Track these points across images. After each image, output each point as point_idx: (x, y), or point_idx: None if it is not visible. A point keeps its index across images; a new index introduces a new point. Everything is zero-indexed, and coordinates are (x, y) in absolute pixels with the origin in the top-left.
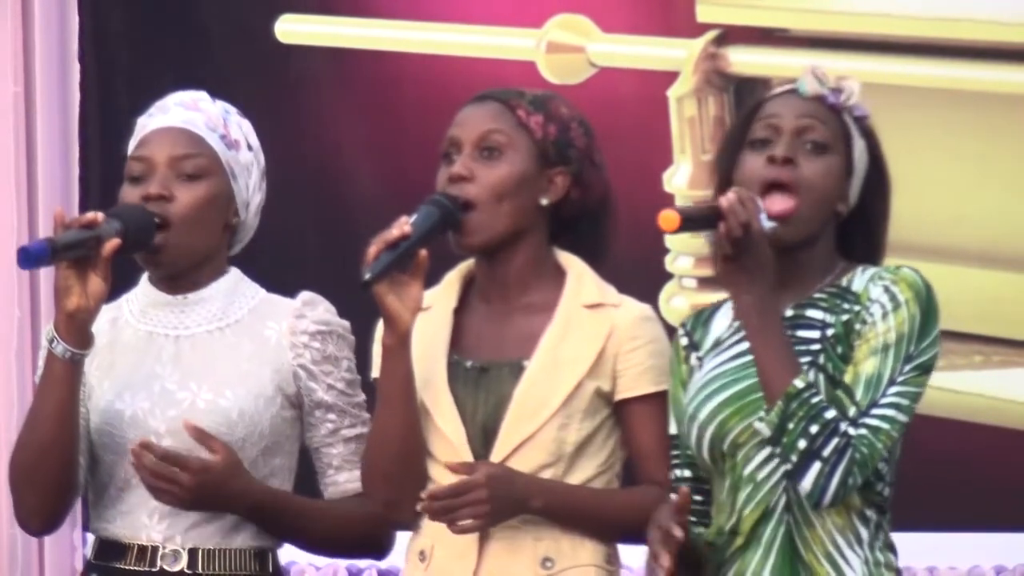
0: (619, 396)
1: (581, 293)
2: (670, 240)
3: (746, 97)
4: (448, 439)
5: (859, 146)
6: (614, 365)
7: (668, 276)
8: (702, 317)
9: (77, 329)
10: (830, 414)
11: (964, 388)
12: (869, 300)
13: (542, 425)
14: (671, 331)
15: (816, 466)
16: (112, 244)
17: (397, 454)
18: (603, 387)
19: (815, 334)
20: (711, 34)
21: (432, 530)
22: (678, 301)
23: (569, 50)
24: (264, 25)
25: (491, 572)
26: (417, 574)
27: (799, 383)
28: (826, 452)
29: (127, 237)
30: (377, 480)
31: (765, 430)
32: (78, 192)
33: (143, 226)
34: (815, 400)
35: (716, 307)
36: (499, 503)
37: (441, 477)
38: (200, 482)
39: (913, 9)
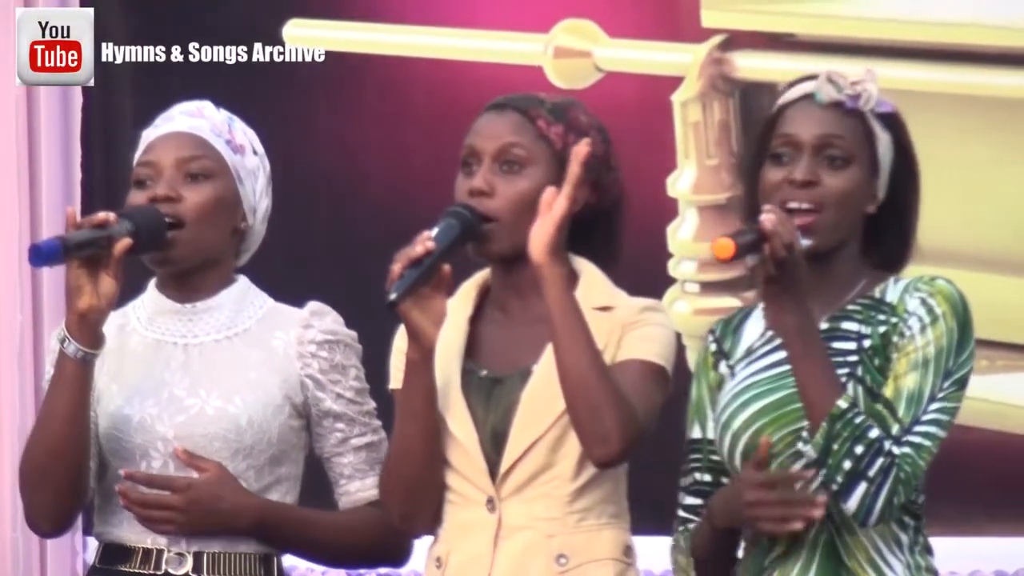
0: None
1: (591, 296)
2: (672, 244)
3: (752, 102)
4: (461, 444)
5: (884, 142)
6: (616, 352)
7: (671, 281)
8: (731, 324)
9: (89, 329)
10: (874, 433)
11: (968, 392)
12: (906, 312)
13: (550, 427)
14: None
15: (862, 486)
16: (124, 244)
17: (418, 467)
18: None
19: (851, 346)
20: (716, 39)
21: (448, 537)
22: (681, 306)
23: (576, 55)
24: (272, 29)
25: (506, 573)
26: None
27: (843, 403)
28: (871, 472)
29: (139, 237)
30: (397, 493)
31: (811, 452)
32: (80, 192)
33: (154, 226)
34: (859, 420)
35: (746, 313)
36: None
37: (456, 483)
38: (190, 499)
39: (919, 14)
